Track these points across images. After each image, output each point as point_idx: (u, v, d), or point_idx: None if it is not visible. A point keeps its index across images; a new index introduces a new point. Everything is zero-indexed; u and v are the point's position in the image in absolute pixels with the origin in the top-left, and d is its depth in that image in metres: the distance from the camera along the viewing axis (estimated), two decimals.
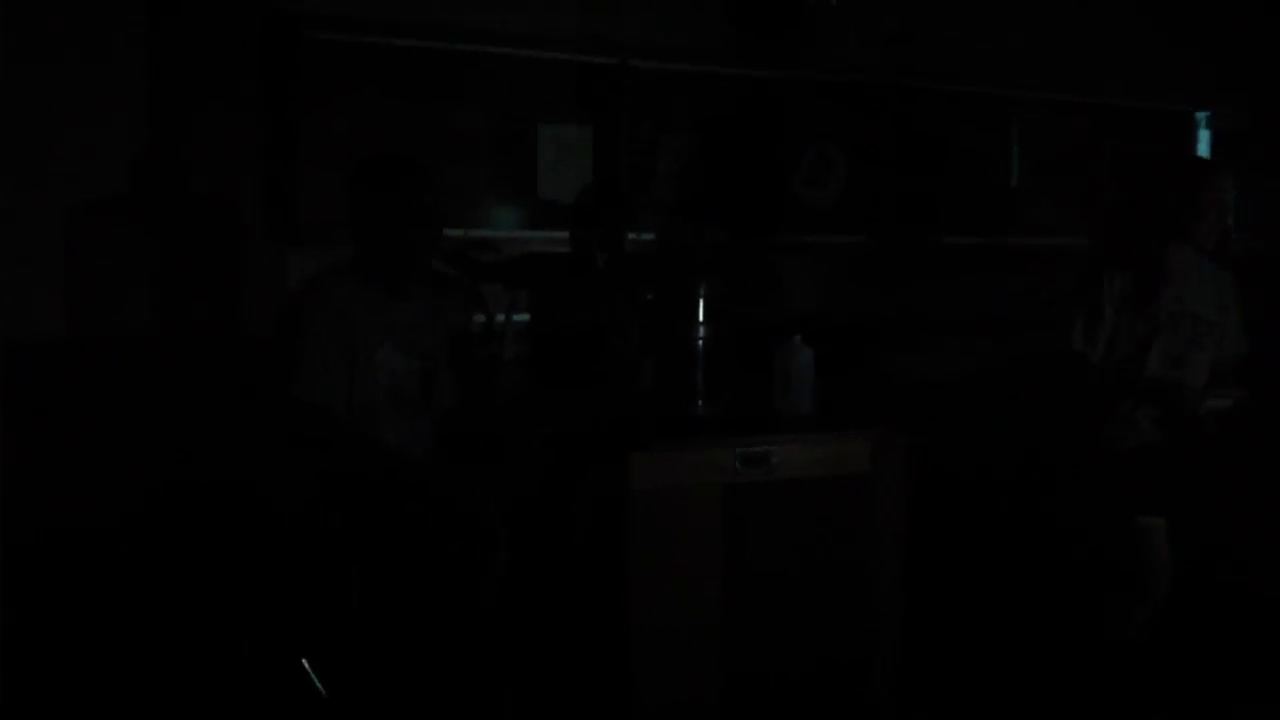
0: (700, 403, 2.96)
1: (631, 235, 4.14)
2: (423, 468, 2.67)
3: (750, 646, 2.86)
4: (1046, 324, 4.05)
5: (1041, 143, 5.00)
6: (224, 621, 3.15)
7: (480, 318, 4.04)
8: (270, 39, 3.73)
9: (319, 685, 2.61)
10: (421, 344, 2.74)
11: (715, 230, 3.80)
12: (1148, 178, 3.25)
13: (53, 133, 3.46)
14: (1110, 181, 5.09)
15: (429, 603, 2.53)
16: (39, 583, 3.17)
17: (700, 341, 2.98)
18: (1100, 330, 3.00)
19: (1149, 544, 2.95)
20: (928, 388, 4.35)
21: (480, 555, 2.53)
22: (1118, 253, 3.12)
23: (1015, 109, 4.92)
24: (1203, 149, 5.37)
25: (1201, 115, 5.34)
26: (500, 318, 4.04)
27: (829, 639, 2.96)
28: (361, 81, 3.81)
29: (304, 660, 2.65)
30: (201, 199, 3.71)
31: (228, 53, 3.71)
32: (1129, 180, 5.03)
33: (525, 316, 4.09)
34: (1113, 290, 2.99)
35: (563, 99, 4.16)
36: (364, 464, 2.57)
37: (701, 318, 2.97)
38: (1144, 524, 2.95)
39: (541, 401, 3.56)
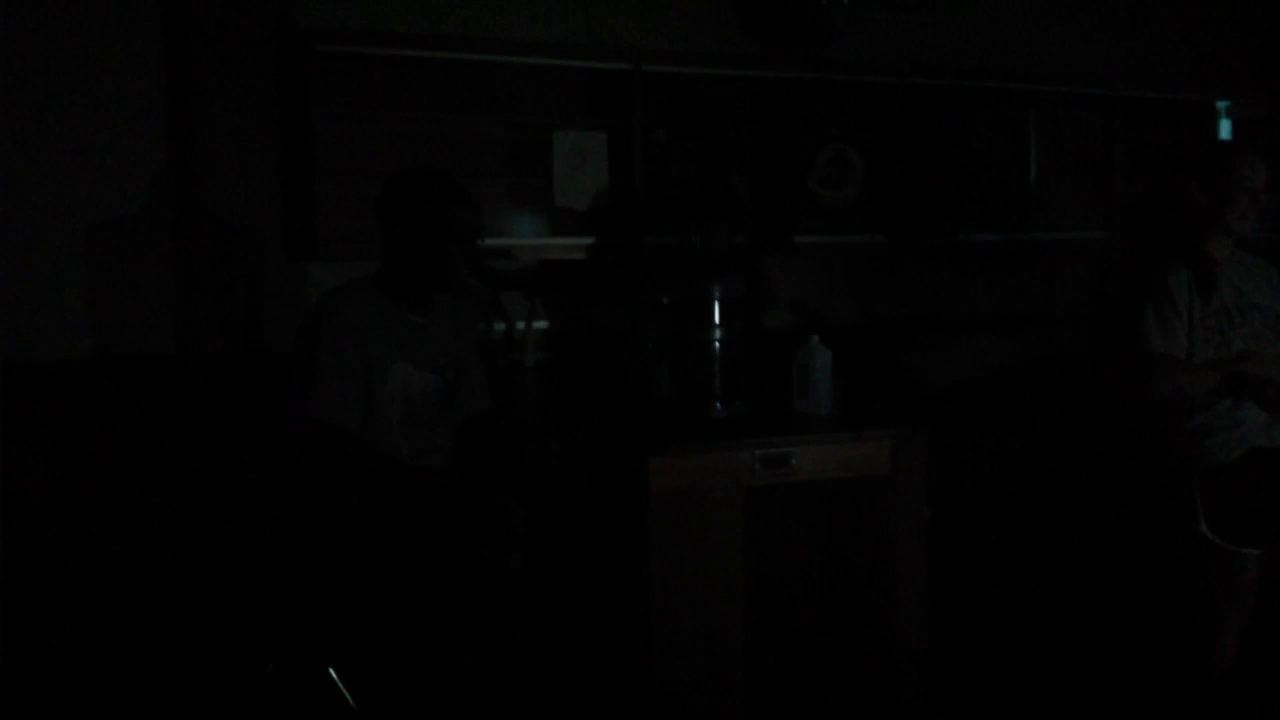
0: (718, 405, 2.97)
1: (647, 239, 4.16)
2: (439, 477, 2.67)
3: (773, 648, 2.86)
4: (1064, 321, 3.97)
5: (1058, 137, 4.96)
6: (246, 638, 3.16)
7: (500, 325, 4.07)
8: (284, 54, 3.76)
9: (346, 694, 2.62)
10: (441, 356, 2.74)
11: (731, 232, 3.79)
12: (1173, 167, 3.06)
13: (74, 152, 3.51)
14: (1131, 174, 5.03)
15: (448, 609, 2.53)
16: (49, 601, 3.20)
17: (718, 344, 2.98)
18: (1179, 329, 2.80)
19: (1242, 566, 2.77)
20: (951, 388, 4.33)
21: (499, 559, 2.53)
22: (1158, 248, 2.93)
23: (1031, 104, 4.88)
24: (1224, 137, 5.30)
25: (1222, 105, 5.28)
26: (520, 325, 4.06)
27: (852, 641, 2.95)
28: (376, 94, 3.84)
29: (330, 670, 2.66)
30: (220, 215, 3.74)
31: (242, 70, 3.74)
32: (1153, 171, 4.97)
33: (545, 323, 4.10)
34: (1180, 286, 2.81)
35: (577, 106, 4.17)
36: (377, 479, 2.58)
37: (718, 320, 2.98)
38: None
39: (562, 407, 3.57)
